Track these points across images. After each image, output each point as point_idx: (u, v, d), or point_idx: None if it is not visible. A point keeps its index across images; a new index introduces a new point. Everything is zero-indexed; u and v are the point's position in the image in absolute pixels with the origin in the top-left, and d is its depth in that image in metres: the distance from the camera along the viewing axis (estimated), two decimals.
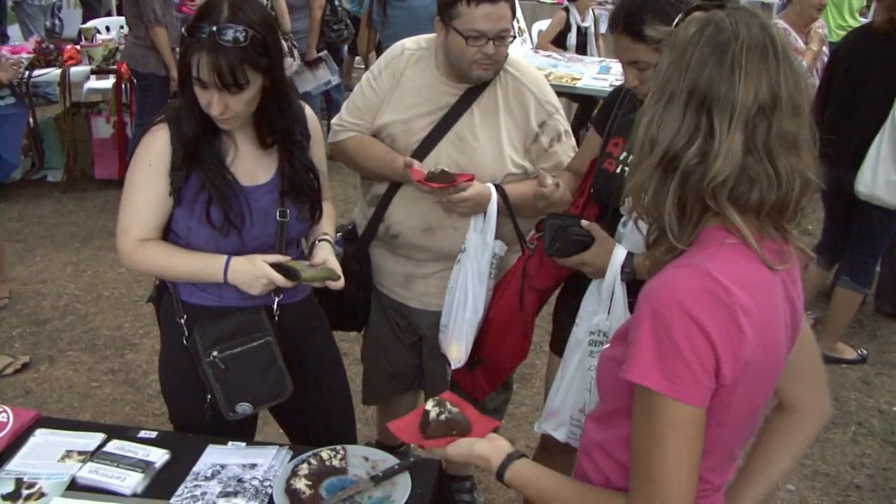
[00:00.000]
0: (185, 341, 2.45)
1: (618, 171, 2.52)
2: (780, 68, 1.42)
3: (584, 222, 2.47)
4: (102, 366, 4.62)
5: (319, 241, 2.57)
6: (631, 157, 2.17)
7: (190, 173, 2.35)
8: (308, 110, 2.60)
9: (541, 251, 2.64)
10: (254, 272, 2.34)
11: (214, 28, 2.18)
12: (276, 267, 2.35)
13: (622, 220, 2.44)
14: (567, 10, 8.15)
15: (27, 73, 6.49)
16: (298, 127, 2.50)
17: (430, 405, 1.89)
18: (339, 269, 2.48)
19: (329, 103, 7.56)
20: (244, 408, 2.43)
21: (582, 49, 8.23)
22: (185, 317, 2.47)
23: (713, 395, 1.43)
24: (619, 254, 2.38)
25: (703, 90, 1.42)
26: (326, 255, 2.51)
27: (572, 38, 8.19)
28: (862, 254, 4.73)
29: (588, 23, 8.24)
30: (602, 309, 2.46)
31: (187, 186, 2.35)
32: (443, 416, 1.85)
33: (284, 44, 6.42)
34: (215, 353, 2.39)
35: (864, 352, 4.92)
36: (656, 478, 1.43)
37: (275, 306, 2.49)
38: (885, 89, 4.37)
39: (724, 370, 1.40)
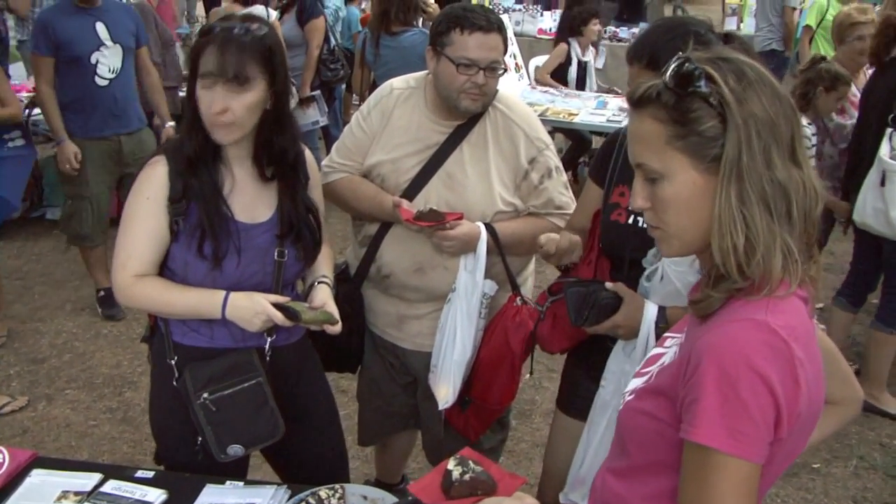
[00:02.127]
0: (175, 383, 2.43)
1: (629, 221, 2.45)
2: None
3: (608, 284, 2.36)
4: (101, 404, 4.60)
5: (318, 283, 2.56)
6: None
7: (189, 205, 2.34)
8: (307, 152, 2.59)
9: (553, 314, 2.55)
10: (254, 308, 2.33)
11: (226, 25, 2.25)
12: (277, 307, 2.34)
13: (646, 273, 2.36)
14: (568, 43, 8.22)
15: (27, 111, 6.51)
16: (300, 167, 2.51)
17: (451, 464, 1.84)
18: (337, 314, 2.46)
19: (327, 140, 7.60)
20: (236, 450, 2.40)
21: (581, 83, 8.29)
22: (175, 358, 2.44)
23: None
24: (651, 310, 2.30)
25: (783, 130, 1.42)
26: (326, 297, 2.50)
27: (573, 72, 8.25)
28: (890, 292, 4.65)
29: (588, 57, 8.30)
30: (636, 369, 2.39)
31: (187, 220, 2.34)
32: (467, 476, 1.81)
33: None
34: (206, 395, 2.36)
35: None
36: None
37: (267, 346, 2.47)
38: (879, 119, 4.43)
39: (782, 424, 1.39)
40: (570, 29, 8.25)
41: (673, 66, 1.46)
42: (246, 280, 2.40)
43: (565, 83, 8.26)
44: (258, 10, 6.49)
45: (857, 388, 1.90)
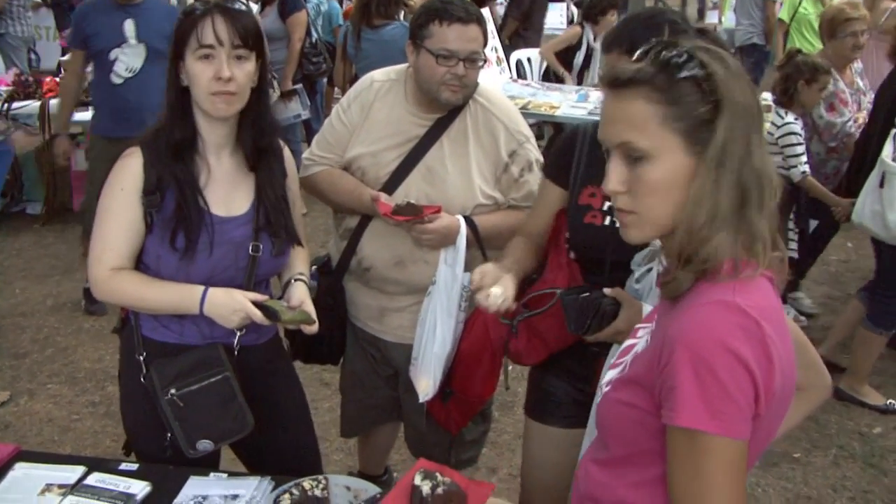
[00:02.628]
0: (142, 379, 2.41)
1: (606, 222, 2.39)
2: None
3: (606, 290, 2.27)
4: (83, 398, 4.59)
5: (295, 280, 2.53)
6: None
7: (163, 198, 2.32)
8: (285, 148, 2.59)
9: (528, 330, 2.47)
10: (232, 305, 2.31)
11: (214, 1, 2.26)
12: (256, 305, 2.32)
13: (635, 275, 2.30)
14: (583, 27, 8.20)
15: (6, 105, 6.48)
16: (277, 163, 2.50)
17: (418, 479, 1.79)
18: (314, 313, 2.44)
19: (309, 134, 7.59)
20: (205, 445, 2.38)
21: (582, 71, 8.29)
22: (144, 354, 2.42)
23: None
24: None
25: (758, 119, 1.47)
26: (303, 296, 2.48)
27: (580, 57, 8.22)
28: (880, 293, 4.63)
29: (597, 45, 8.28)
30: None
31: (161, 212, 2.32)
32: (439, 490, 1.77)
33: None
34: (173, 391, 2.33)
35: (893, 402, 4.72)
36: None
37: (235, 342, 2.44)
38: (887, 118, 4.44)
39: (760, 401, 1.41)
40: (585, 16, 8.26)
41: (661, 50, 1.49)
42: (217, 275, 2.37)
43: (568, 66, 8.25)
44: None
45: (825, 375, 1.91)
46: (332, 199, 2.99)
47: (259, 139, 2.42)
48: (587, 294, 2.26)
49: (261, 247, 2.43)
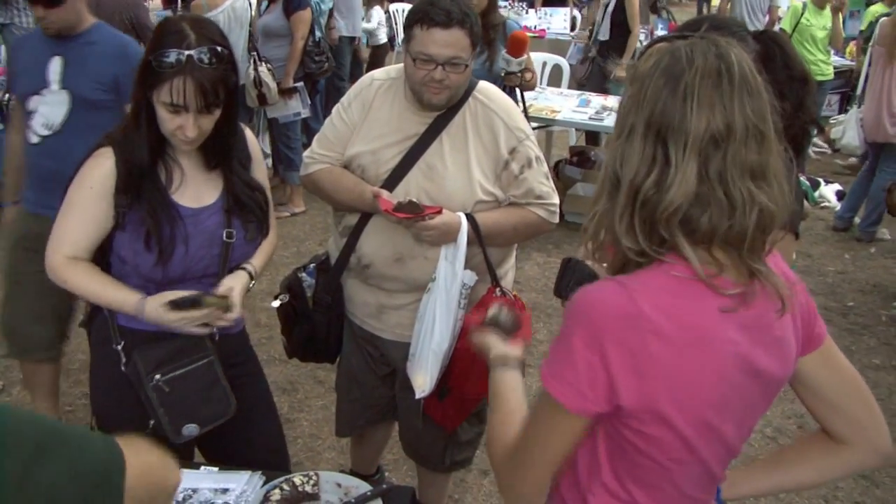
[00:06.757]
0: (123, 368, 2.42)
1: None
2: (734, 96, 1.41)
3: (589, 261, 2.24)
4: (77, 390, 4.58)
5: (238, 268, 2.52)
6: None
7: (136, 198, 2.34)
8: (248, 132, 2.62)
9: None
10: (167, 321, 2.33)
11: (191, 52, 2.20)
12: (177, 304, 2.32)
13: None
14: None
15: (5, 95, 6.48)
16: (240, 148, 2.53)
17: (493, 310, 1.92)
18: (237, 301, 2.44)
19: (308, 133, 7.58)
20: (190, 429, 2.40)
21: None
22: (122, 343, 2.44)
23: (614, 418, 1.48)
24: None
25: (658, 120, 1.43)
26: (234, 283, 2.47)
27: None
28: None
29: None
30: None
31: (132, 212, 2.34)
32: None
33: (268, 71, 6.46)
34: (158, 377, 2.35)
35: None
36: (521, 456, 1.57)
37: (215, 329, 2.46)
38: None
39: (622, 393, 1.43)
40: None
41: None
42: (193, 266, 2.41)
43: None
44: (240, 1, 6.47)
45: (868, 437, 1.71)
46: (333, 197, 2.99)
47: (218, 143, 2.42)
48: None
49: (234, 233, 2.46)
